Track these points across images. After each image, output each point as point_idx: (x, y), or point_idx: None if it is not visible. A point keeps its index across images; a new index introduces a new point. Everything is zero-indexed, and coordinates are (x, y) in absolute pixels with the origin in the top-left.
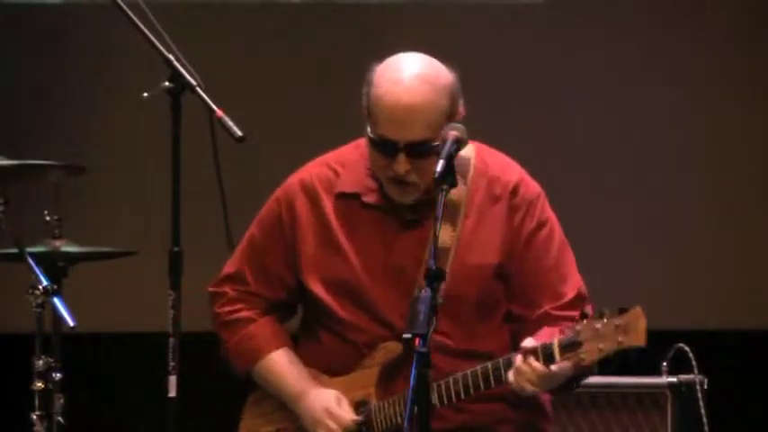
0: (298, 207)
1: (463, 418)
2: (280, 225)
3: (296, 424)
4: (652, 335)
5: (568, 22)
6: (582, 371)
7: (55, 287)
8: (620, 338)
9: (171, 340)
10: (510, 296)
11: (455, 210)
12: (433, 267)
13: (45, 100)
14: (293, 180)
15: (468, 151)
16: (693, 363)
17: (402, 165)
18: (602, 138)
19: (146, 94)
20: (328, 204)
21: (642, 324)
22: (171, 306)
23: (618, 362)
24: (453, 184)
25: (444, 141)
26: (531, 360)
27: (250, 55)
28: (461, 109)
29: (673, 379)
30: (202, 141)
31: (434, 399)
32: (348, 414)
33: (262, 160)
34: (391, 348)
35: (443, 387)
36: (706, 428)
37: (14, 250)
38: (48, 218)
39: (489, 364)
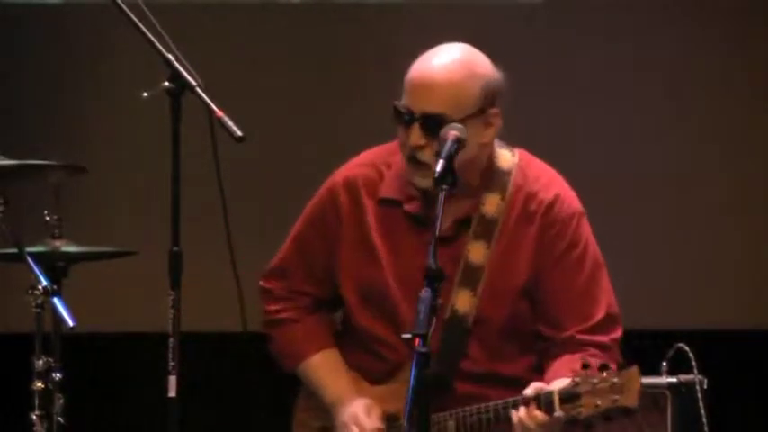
0: (341, 207)
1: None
2: (324, 223)
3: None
4: (652, 335)
5: (568, 22)
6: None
7: (55, 287)
8: (614, 397)
9: (171, 340)
10: (537, 316)
11: (491, 227)
12: (434, 267)
13: (45, 100)
14: (338, 178)
15: (510, 163)
16: (693, 363)
17: (415, 136)
18: (602, 138)
19: (146, 95)
20: (370, 208)
21: (636, 385)
22: (171, 306)
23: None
24: (453, 184)
25: (444, 141)
26: (533, 409)
27: (250, 55)
28: (495, 115)
29: (672, 379)
30: (202, 141)
31: (452, 428)
32: (373, 423)
33: (261, 160)
34: None
35: (461, 415)
36: (706, 428)
37: (14, 250)
38: (47, 218)
39: (500, 403)
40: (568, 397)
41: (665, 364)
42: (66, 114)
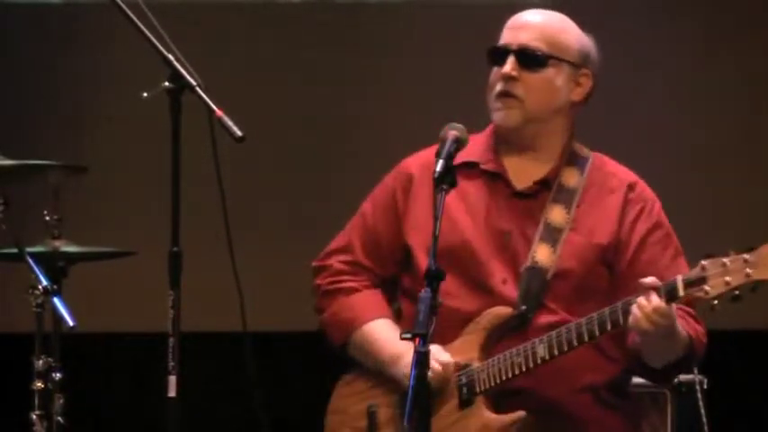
0: (415, 180)
1: (545, 401)
2: (393, 201)
3: (390, 398)
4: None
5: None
6: (691, 351)
7: (55, 287)
8: (748, 271)
9: (170, 340)
10: (617, 289)
11: (571, 195)
12: (433, 267)
13: (45, 100)
14: (410, 159)
15: (588, 153)
16: None
17: (509, 65)
18: (602, 138)
19: (146, 94)
20: None
21: None
22: (170, 306)
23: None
24: (453, 185)
25: (444, 141)
26: (652, 295)
27: (250, 55)
28: (586, 75)
29: None
30: (202, 141)
31: (543, 351)
32: (447, 357)
33: (261, 160)
34: (499, 313)
35: (554, 336)
36: (706, 428)
37: (14, 250)
38: (47, 218)
39: (606, 309)
40: (694, 281)
41: None
42: (66, 114)
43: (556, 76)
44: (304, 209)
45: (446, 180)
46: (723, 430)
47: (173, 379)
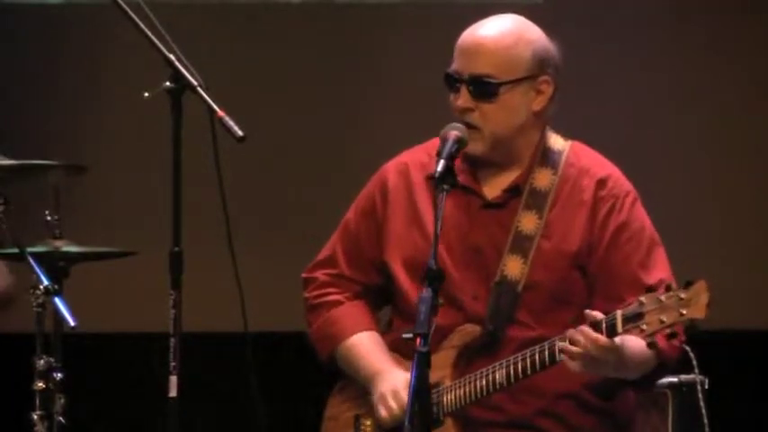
0: (390, 188)
1: (521, 411)
2: (373, 208)
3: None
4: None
5: (568, 22)
6: (662, 364)
7: (56, 287)
8: (681, 311)
9: (171, 340)
10: (592, 291)
11: (543, 198)
12: (434, 267)
13: (45, 100)
14: (389, 164)
15: (563, 145)
16: (694, 362)
17: (462, 98)
18: (602, 138)
19: (147, 94)
20: (419, 185)
21: (704, 298)
22: (171, 306)
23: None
24: (454, 185)
25: (445, 141)
26: (590, 330)
27: (251, 55)
28: (545, 82)
29: (673, 379)
30: (203, 141)
31: (502, 377)
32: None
33: (263, 160)
34: (468, 331)
35: (511, 362)
36: (707, 428)
37: (15, 250)
38: (48, 218)
39: (557, 338)
40: (632, 317)
41: None
42: (66, 114)
43: (512, 99)
44: (305, 209)
45: (447, 180)
46: (724, 430)
47: (174, 379)
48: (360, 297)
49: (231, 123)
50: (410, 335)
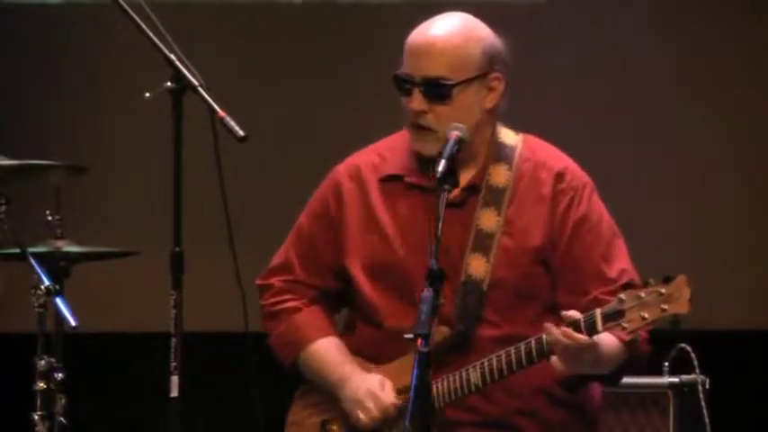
0: (345, 192)
1: (495, 411)
2: (327, 211)
3: (343, 413)
4: (653, 335)
5: (571, 22)
6: (635, 357)
7: (57, 287)
8: (663, 306)
9: (173, 340)
10: (556, 285)
11: (500, 195)
12: (435, 267)
13: (46, 100)
14: (340, 167)
15: (515, 139)
16: (695, 363)
17: (416, 101)
18: (603, 138)
19: (148, 94)
20: (374, 188)
21: (686, 292)
22: (173, 306)
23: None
24: (455, 185)
25: (446, 142)
26: (571, 331)
27: (251, 55)
28: (497, 79)
29: (674, 379)
30: (204, 141)
31: (477, 378)
32: (389, 398)
33: (264, 160)
34: (438, 333)
35: (486, 364)
36: (708, 429)
37: (16, 250)
38: (49, 218)
39: (533, 339)
40: (612, 315)
41: (667, 364)
42: (67, 114)
43: (465, 98)
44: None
45: (448, 181)
46: (725, 430)
47: (175, 379)
48: (317, 302)
49: (232, 123)
50: (411, 335)
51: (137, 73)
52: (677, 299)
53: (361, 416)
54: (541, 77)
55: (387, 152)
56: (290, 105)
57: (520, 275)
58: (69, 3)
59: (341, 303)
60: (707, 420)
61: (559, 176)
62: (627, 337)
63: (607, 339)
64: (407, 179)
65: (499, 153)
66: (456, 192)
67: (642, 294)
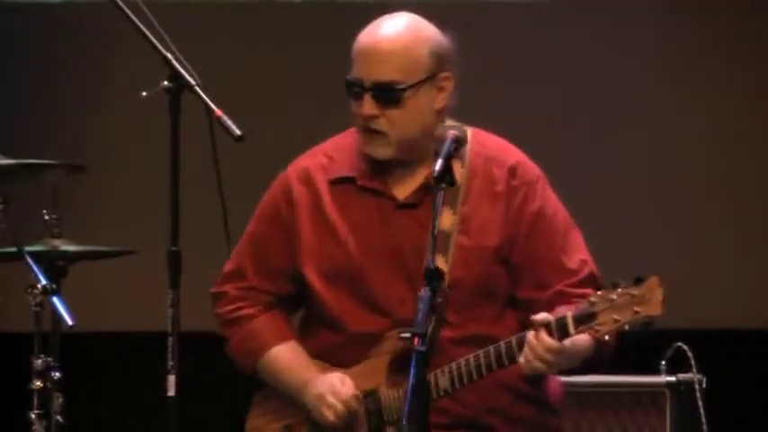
0: (295, 195)
1: (465, 412)
2: (278, 215)
3: (305, 416)
4: (651, 334)
5: (573, 21)
6: (600, 351)
7: (54, 286)
8: (635, 308)
9: (170, 339)
10: (517, 280)
11: (454, 194)
12: (432, 266)
13: (44, 99)
14: (289, 171)
15: (460, 132)
16: (692, 362)
17: (367, 106)
18: (605, 137)
19: (145, 94)
20: (324, 191)
21: (659, 294)
22: (170, 305)
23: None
24: (452, 184)
25: (443, 141)
26: (543, 335)
27: (250, 54)
28: (446, 78)
29: (671, 378)
30: (201, 140)
31: (446, 383)
32: (350, 390)
33: (261, 159)
34: (398, 337)
35: (455, 369)
36: (704, 428)
37: (13, 249)
38: (47, 217)
39: (502, 343)
40: (583, 318)
41: (663, 363)
42: (65, 114)
43: (417, 101)
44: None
45: (445, 180)
46: (721, 429)
47: (172, 378)
48: (272, 307)
49: (229, 123)
50: (408, 334)
51: (134, 72)
52: (649, 300)
53: (326, 413)
54: (545, 77)
55: (335, 153)
56: (288, 104)
57: (478, 274)
58: (69, 2)
59: (296, 306)
60: (704, 419)
61: (512, 172)
62: (601, 339)
63: (580, 340)
64: (359, 182)
65: None
66: (408, 192)
67: (614, 296)
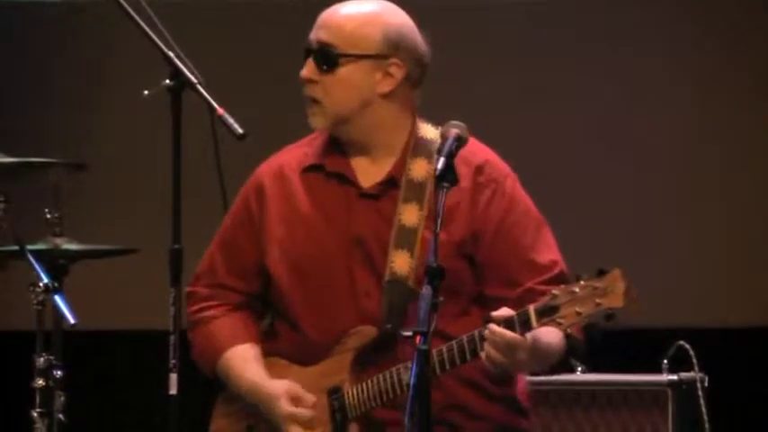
0: (267, 191)
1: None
2: (249, 213)
3: (267, 417)
4: (653, 333)
5: (572, 21)
6: (572, 348)
7: (56, 285)
8: (597, 301)
9: (171, 337)
10: (484, 278)
11: (421, 190)
12: (434, 264)
13: (45, 98)
14: (263, 166)
15: (435, 134)
16: (694, 360)
17: (306, 68)
18: (604, 136)
19: (147, 92)
20: (296, 182)
21: (621, 286)
22: (171, 303)
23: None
24: (454, 183)
25: (445, 139)
26: (500, 327)
27: (251, 52)
28: (396, 66)
29: (673, 377)
30: (203, 139)
31: (408, 377)
32: (310, 398)
33: (262, 158)
34: (365, 333)
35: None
36: (706, 426)
37: (15, 248)
38: (48, 215)
39: (464, 337)
40: (546, 310)
41: (665, 361)
42: (66, 112)
43: (352, 74)
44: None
45: (447, 178)
46: (723, 428)
47: (174, 376)
48: (241, 307)
49: (231, 121)
50: (410, 333)
51: (136, 71)
52: (611, 292)
53: (291, 427)
54: (542, 77)
55: (309, 146)
56: (289, 102)
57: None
58: (69, 2)
59: (267, 307)
60: (705, 418)
61: (479, 169)
62: (564, 332)
63: (551, 337)
64: (329, 168)
65: (418, 147)
66: (372, 183)
67: (576, 289)
